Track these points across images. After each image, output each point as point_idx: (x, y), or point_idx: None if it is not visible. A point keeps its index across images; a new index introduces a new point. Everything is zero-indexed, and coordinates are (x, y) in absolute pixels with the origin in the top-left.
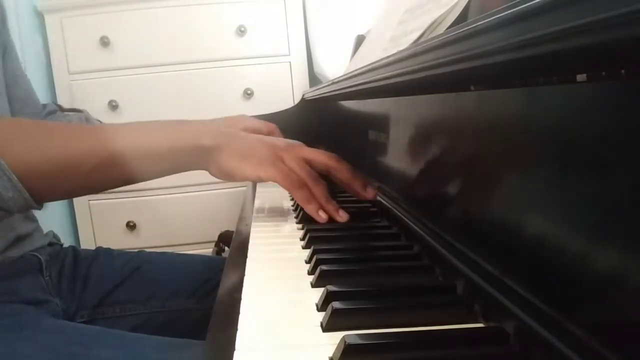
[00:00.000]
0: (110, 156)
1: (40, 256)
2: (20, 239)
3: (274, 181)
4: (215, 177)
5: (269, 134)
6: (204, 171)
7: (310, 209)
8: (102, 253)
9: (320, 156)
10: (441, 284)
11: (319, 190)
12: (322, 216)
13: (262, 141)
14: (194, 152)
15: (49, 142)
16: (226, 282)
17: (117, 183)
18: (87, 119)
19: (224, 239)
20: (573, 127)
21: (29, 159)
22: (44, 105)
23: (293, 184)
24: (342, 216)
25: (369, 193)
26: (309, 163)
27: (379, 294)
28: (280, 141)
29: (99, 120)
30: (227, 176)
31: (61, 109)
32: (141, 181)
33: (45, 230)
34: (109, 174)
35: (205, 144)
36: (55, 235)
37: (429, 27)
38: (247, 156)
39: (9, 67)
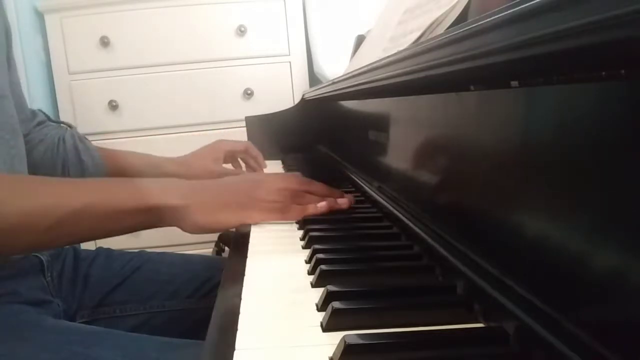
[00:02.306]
0: (71, 215)
1: (41, 257)
2: None
3: (262, 221)
4: (191, 233)
5: (245, 150)
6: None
7: (310, 212)
8: (102, 253)
9: (292, 183)
10: (441, 284)
11: (310, 200)
12: (322, 205)
13: (232, 187)
14: (160, 211)
15: (5, 198)
16: (226, 282)
17: (77, 240)
18: (79, 137)
19: (224, 239)
20: (573, 127)
21: None
22: (33, 113)
23: (282, 211)
24: (342, 202)
25: (344, 203)
26: (285, 190)
27: (379, 294)
28: (248, 181)
29: (86, 139)
30: (207, 230)
31: (49, 118)
32: (105, 237)
33: None
34: (68, 233)
35: (172, 203)
36: None
37: (429, 27)
38: (224, 206)
39: (13, 76)
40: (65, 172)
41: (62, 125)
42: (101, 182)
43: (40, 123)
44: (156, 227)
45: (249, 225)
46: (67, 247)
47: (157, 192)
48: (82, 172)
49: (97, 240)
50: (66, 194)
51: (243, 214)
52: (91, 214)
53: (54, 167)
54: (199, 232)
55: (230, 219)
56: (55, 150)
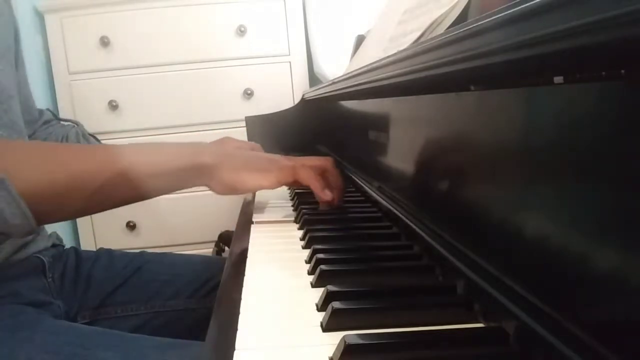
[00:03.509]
0: (116, 176)
1: (43, 258)
2: (27, 243)
3: (277, 185)
4: (217, 192)
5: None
6: None
7: (319, 188)
8: (103, 254)
9: (312, 161)
10: (441, 284)
11: (322, 181)
12: (328, 194)
13: (257, 154)
14: (196, 169)
15: (53, 164)
16: (226, 282)
17: (120, 202)
18: (83, 134)
19: (224, 239)
20: (573, 127)
21: (35, 182)
22: (40, 112)
23: (294, 170)
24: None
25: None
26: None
27: (379, 294)
28: (277, 155)
29: (93, 135)
30: (230, 189)
31: (56, 117)
32: (143, 199)
33: (48, 231)
34: (113, 194)
35: (206, 162)
36: (58, 237)
37: (429, 27)
38: (248, 168)
39: (21, 76)
40: None
41: (67, 123)
42: (138, 146)
43: (46, 122)
44: (189, 186)
45: (249, 226)
46: (68, 248)
47: (192, 152)
48: None
49: (97, 240)
50: (109, 157)
51: (262, 177)
52: (133, 176)
53: None
54: (223, 192)
55: (251, 181)
56: None
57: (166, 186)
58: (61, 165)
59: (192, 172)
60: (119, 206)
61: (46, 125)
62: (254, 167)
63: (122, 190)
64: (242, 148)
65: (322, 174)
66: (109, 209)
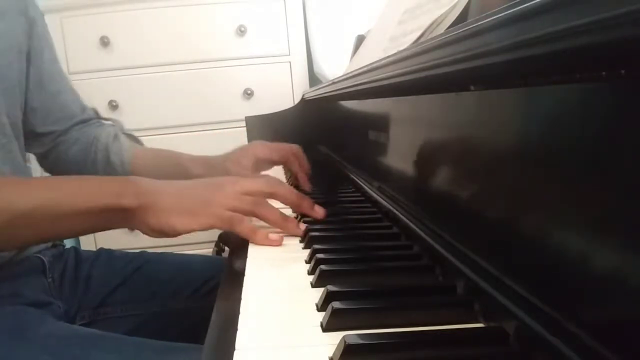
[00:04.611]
0: (22, 215)
1: (43, 257)
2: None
3: (210, 228)
4: (146, 234)
5: (284, 159)
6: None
7: (258, 240)
8: (103, 254)
9: (257, 185)
10: (441, 284)
11: (270, 213)
12: (274, 238)
13: (192, 191)
14: (114, 212)
15: None
16: (226, 282)
17: (35, 241)
18: (115, 135)
19: (224, 239)
20: (573, 127)
21: None
22: (83, 109)
23: (231, 222)
24: (301, 227)
25: (318, 212)
26: (248, 194)
27: (379, 294)
28: (211, 185)
29: (130, 134)
30: (158, 234)
31: (97, 115)
32: (63, 238)
33: None
34: (22, 232)
35: (125, 205)
36: None
37: (429, 27)
38: (177, 211)
39: (33, 72)
40: (94, 172)
41: (103, 122)
42: (58, 181)
43: (83, 121)
44: (111, 228)
45: None
46: (69, 248)
47: (111, 192)
48: (110, 172)
49: (97, 240)
50: (19, 195)
51: (193, 220)
52: (43, 216)
53: (85, 166)
54: (152, 235)
55: (180, 226)
56: (87, 150)
57: (82, 227)
58: None
59: (110, 214)
60: (34, 244)
61: (82, 125)
62: (183, 210)
63: (29, 231)
64: (274, 150)
65: (271, 197)
66: (22, 245)
